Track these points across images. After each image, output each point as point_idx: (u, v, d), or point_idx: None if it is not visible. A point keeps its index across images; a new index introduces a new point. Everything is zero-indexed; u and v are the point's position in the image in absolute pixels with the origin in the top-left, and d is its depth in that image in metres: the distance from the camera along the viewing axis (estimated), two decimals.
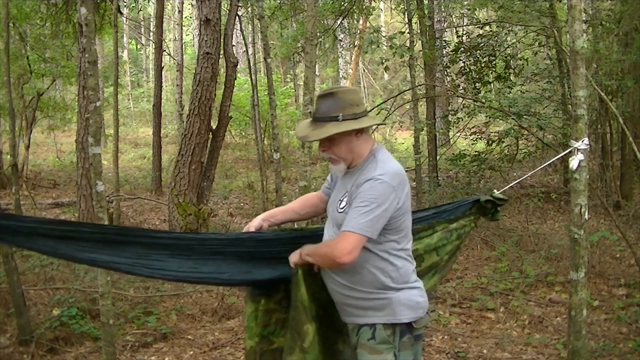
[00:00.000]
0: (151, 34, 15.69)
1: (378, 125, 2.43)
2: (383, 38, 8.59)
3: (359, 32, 15.81)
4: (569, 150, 2.96)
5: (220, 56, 6.33)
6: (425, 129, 8.53)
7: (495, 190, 2.83)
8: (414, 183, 8.63)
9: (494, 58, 8.58)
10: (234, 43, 7.54)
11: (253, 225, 2.38)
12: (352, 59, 19.43)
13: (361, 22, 15.58)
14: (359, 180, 2.11)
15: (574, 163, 2.93)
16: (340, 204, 2.19)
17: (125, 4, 10.79)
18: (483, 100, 7.03)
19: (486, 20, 9.84)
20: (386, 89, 22.42)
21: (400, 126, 15.42)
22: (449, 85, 9.82)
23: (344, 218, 2.09)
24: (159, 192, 10.24)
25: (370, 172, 2.10)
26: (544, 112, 7.97)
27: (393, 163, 2.16)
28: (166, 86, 20.34)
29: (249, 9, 10.60)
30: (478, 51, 8.52)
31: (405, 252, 2.19)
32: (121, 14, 10.83)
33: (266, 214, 2.46)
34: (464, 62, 8.81)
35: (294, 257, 2.21)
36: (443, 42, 10.12)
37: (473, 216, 2.76)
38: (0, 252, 4.16)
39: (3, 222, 2.05)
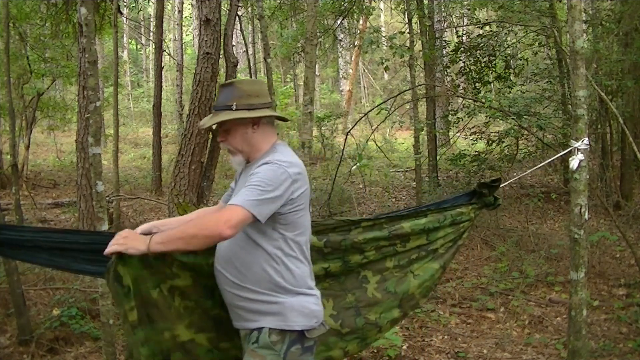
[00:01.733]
0: (151, 34, 15.69)
1: (280, 119, 2.27)
2: (383, 38, 8.60)
3: (359, 32, 15.83)
4: (569, 150, 2.96)
5: (220, 56, 6.33)
6: (425, 129, 8.53)
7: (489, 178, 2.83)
8: (414, 183, 8.63)
9: (494, 58, 8.58)
10: (234, 43, 7.55)
11: (141, 229, 2.21)
12: (352, 59, 19.46)
13: (361, 22, 15.60)
14: (253, 169, 2.05)
15: (574, 163, 2.93)
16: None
17: (125, 4, 10.79)
18: (483, 100, 7.03)
19: (486, 20, 9.85)
20: (386, 89, 22.42)
21: (400, 126, 15.43)
22: (449, 85, 9.83)
23: None
24: (159, 192, 10.24)
25: (268, 159, 2.04)
26: (544, 112, 7.97)
27: (295, 158, 2.10)
28: (166, 86, 20.36)
29: (249, 9, 10.61)
30: (478, 51, 8.52)
31: (302, 253, 2.09)
32: (121, 14, 10.83)
33: (158, 222, 2.30)
34: (464, 62, 8.81)
35: (116, 247, 1.94)
36: (443, 42, 10.12)
37: (471, 206, 2.73)
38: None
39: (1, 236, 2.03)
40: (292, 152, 2.15)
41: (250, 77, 8.22)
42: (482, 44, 8.48)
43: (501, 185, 2.85)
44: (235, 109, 2.08)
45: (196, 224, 1.95)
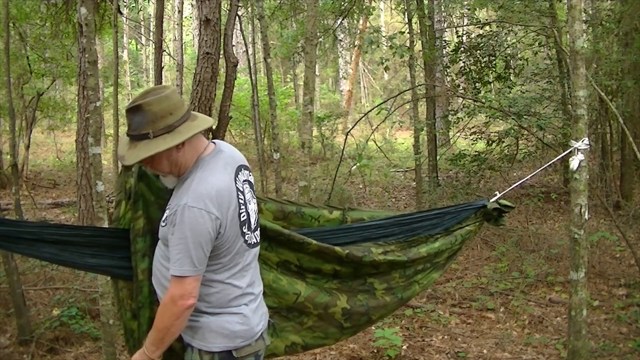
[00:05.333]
0: (151, 34, 15.69)
1: (202, 129, 2.01)
2: (383, 38, 8.60)
3: (359, 32, 15.83)
4: (570, 150, 2.96)
5: (220, 56, 6.33)
6: (425, 129, 8.53)
7: (497, 192, 2.84)
8: (414, 183, 8.63)
9: (494, 58, 8.58)
10: (234, 43, 7.53)
11: None
12: (352, 59, 19.46)
13: (361, 22, 15.60)
14: (176, 202, 1.89)
15: (574, 163, 2.93)
16: (163, 215, 2.00)
17: (125, 4, 10.78)
18: (483, 100, 7.03)
19: (486, 20, 9.84)
20: (386, 89, 22.40)
21: (400, 126, 15.42)
22: (449, 85, 9.82)
23: (165, 234, 1.93)
24: None
25: (184, 196, 1.87)
26: (544, 112, 7.97)
27: (212, 180, 1.90)
28: None
29: (249, 9, 10.60)
30: (478, 51, 8.52)
31: (230, 272, 1.98)
32: (121, 14, 10.82)
33: None
34: (464, 62, 8.81)
35: None
36: (443, 42, 10.11)
37: (478, 222, 2.78)
38: (0, 252, 4.16)
39: (3, 228, 2.02)
40: (216, 166, 1.96)
41: (250, 77, 8.18)
42: (482, 44, 8.48)
43: (505, 192, 2.89)
44: (153, 137, 1.87)
45: (164, 319, 1.90)
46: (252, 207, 2.07)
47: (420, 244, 2.65)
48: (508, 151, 8.63)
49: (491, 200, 2.78)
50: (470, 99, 8.14)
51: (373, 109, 8.74)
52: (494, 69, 8.77)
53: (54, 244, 2.07)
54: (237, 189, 1.97)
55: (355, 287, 2.54)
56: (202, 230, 1.84)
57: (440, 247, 2.66)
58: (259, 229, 2.14)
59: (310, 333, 2.43)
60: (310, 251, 2.39)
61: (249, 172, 2.12)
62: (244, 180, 2.04)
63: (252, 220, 2.06)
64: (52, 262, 2.48)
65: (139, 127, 1.89)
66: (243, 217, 1.99)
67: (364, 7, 10.26)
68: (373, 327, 4.22)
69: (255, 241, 2.10)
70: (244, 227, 2.00)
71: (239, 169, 2.03)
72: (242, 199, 1.99)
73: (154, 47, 12.66)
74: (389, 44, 7.35)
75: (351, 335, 2.64)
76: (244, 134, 15.60)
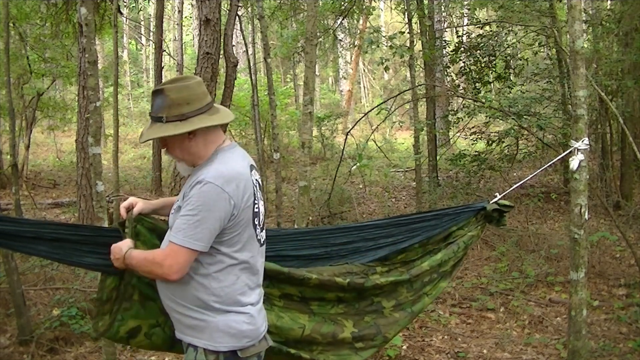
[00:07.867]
0: (151, 34, 15.69)
1: (216, 123, 2.02)
2: (383, 38, 8.60)
3: (359, 32, 15.82)
4: (570, 150, 2.96)
5: (220, 56, 6.33)
6: (425, 129, 8.53)
7: (497, 194, 2.84)
8: (414, 183, 8.62)
9: (494, 58, 8.57)
10: (234, 43, 7.53)
11: (136, 205, 2.19)
12: (352, 59, 19.46)
13: (361, 22, 15.60)
14: (190, 182, 1.93)
15: (574, 163, 2.93)
16: (175, 204, 2.03)
17: (125, 4, 10.78)
18: (483, 100, 7.02)
19: (486, 20, 9.84)
20: (386, 89, 22.40)
21: (400, 126, 15.42)
22: (449, 85, 9.82)
23: (174, 218, 1.96)
24: (159, 192, 10.23)
25: (202, 174, 1.90)
26: (544, 112, 7.97)
27: (233, 165, 1.96)
28: None
29: (249, 9, 10.59)
30: (478, 51, 8.52)
31: (241, 265, 1.99)
32: (121, 14, 10.83)
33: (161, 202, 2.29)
34: (464, 62, 8.81)
35: (117, 261, 2.02)
36: (443, 42, 10.11)
37: (480, 225, 2.78)
38: (0, 252, 4.16)
39: (3, 226, 2.03)
40: (235, 156, 2.01)
41: (250, 77, 8.18)
42: (482, 44, 8.48)
43: (505, 193, 2.89)
44: (166, 122, 1.93)
45: (148, 264, 1.93)
46: (262, 206, 2.09)
47: (424, 255, 2.65)
48: (508, 151, 8.63)
49: (491, 202, 2.77)
50: (470, 99, 8.13)
51: (373, 109, 8.75)
52: (494, 69, 8.77)
53: (52, 241, 2.08)
54: (252, 181, 2.02)
55: (363, 308, 2.54)
56: (214, 207, 1.86)
57: (443, 257, 2.66)
58: (265, 229, 2.15)
59: (322, 356, 2.43)
60: (312, 285, 2.40)
61: (259, 174, 2.14)
62: (255, 179, 2.07)
63: (262, 218, 2.09)
64: (50, 259, 2.48)
65: (157, 110, 1.97)
66: (256, 208, 2.01)
67: (364, 7, 10.25)
68: None
69: (264, 240, 2.12)
70: (255, 219, 2.02)
71: (252, 167, 2.08)
72: (256, 192, 2.02)
73: (154, 47, 12.66)
74: (389, 44, 7.35)
75: (369, 354, 2.57)
76: (244, 134, 15.58)
